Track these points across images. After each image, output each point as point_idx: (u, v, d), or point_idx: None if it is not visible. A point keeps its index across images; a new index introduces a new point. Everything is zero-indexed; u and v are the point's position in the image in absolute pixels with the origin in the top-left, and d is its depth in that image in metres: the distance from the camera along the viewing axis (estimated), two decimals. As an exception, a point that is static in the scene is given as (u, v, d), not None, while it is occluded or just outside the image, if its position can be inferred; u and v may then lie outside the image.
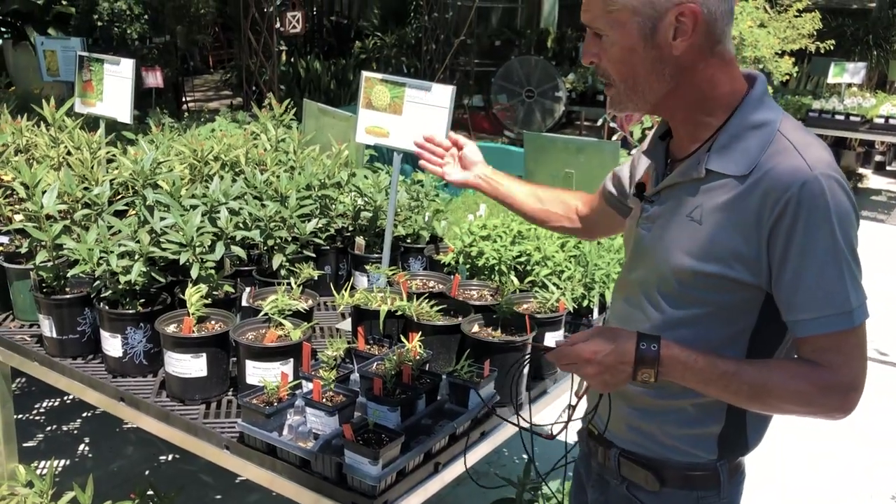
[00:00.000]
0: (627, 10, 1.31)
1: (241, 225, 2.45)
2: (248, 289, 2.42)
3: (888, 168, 10.22)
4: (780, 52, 4.89)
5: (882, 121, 7.81)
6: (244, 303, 2.40)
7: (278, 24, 5.14)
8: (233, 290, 2.37)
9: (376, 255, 2.81)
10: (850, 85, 8.48)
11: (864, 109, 7.91)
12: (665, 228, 1.44)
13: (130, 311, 2.22)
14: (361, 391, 2.04)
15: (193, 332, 2.10)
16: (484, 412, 2.09)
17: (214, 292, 2.32)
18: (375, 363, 2.14)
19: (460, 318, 2.30)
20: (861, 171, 9.55)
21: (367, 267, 2.63)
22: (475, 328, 2.25)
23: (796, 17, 5.54)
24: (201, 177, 2.86)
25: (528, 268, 2.53)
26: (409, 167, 4.55)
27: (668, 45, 1.32)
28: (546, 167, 2.82)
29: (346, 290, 2.34)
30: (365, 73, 2.61)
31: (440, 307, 2.33)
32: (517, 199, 2.00)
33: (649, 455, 1.53)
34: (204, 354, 2.08)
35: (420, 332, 2.17)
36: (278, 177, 2.80)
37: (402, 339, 2.20)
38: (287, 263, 2.52)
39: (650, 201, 1.50)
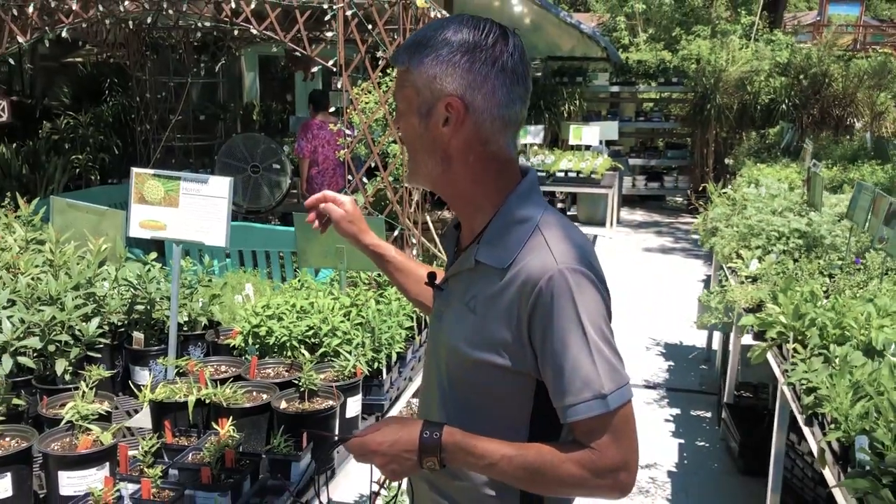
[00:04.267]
0: (414, 88, 1.39)
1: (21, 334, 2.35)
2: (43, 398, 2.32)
3: (569, 213, 11.67)
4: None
5: (562, 174, 9.00)
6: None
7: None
8: (23, 403, 2.26)
9: (156, 348, 2.80)
10: (532, 144, 9.64)
11: (547, 165, 9.06)
12: (450, 317, 1.48)
13: None
14: (186, 483, 2.06)
15: (-6, 452, 1.99)
16: (305, 481, 2.22)
17: (-1, 407, 2.20)
18: (191, 454, 2.18)
19: (264, 397, 2.41)
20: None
21: (160, 361, 2.62)
22: (283, 404, 2.37)
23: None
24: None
25: (318, 340, 2.69)
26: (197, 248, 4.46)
27: (438, 130, 1.39)
28: (317, 245, 3.00)
29: (146, 387, 2.34)
30: (134, 170, 2.65)
31: (243, 390, 2.42)
32: (407, 279, 1.88)
33: None
34: (8, 473, 1.98)
35: (231, 417, 2.25)
36: (38, 279, 2.70)
37: (214, 425, 2.26)
38: (70, 367, 2.45)
39: (440, 289, 1.55)
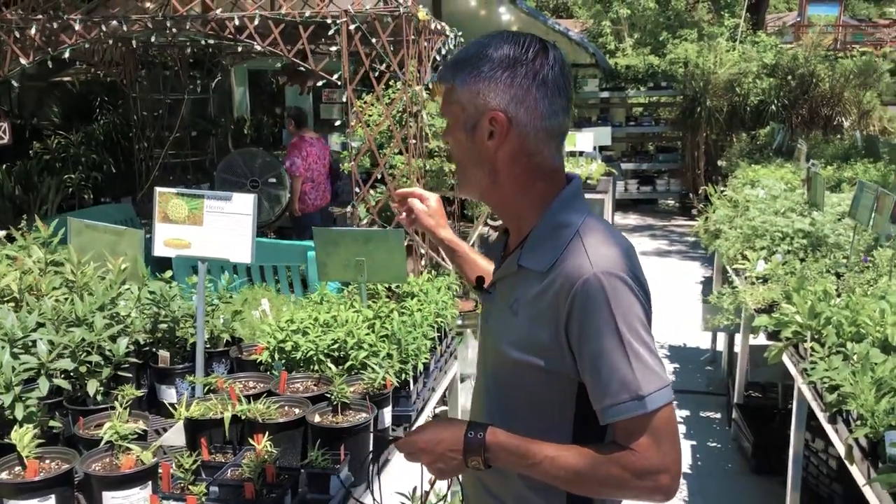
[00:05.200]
0: (459, 104, 1.46)
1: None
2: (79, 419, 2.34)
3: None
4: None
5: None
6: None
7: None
8: (59, 425, 2.27)
9: (181, 366, 2.81)
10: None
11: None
12: (495, 319, 1.54)
13: (-55, 468, 2.04)
14: (229, 499, 2.08)
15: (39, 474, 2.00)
16: (343, 494, 2.23)
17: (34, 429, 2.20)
18: (230, 470, 2.20)
19: (297, 411, 2.42)
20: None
21: (190, 378, 2.63)
22: (317, 418, 2.38)
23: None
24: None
25: (345, 353, 2.70)
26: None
27: (484, 143, 1.44)
28: (337, 258, 3.02)
29: (181, 404, 2.35)
30: (158, 189, 2.66)
31: (276, 405, 2.43)
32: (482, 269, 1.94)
33: None
34: (53, 496, 1.98)
35: (266, 432, 2.26)
36: (62, 301, 2.72)
37: (250, 441, 2.27)
38: (101, 388, 2.46)
39: (488, 292, 1.60)
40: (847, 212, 4.43)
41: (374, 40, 4.48)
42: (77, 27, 4.48)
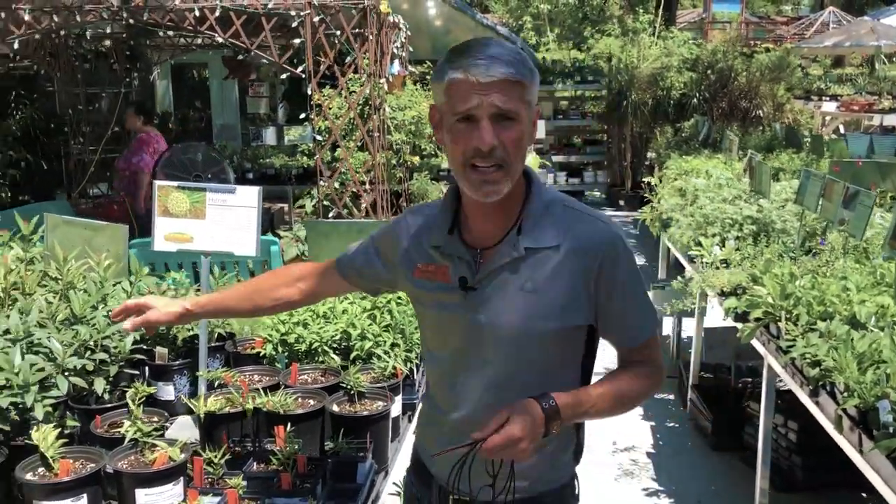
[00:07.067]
0: (529, 101, 1.55)
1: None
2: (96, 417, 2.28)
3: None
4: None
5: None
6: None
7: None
8: (77, 424, 2.22)
9: (178, 363, 2.77)
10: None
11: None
12: (502, 305, 1.60)
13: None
14: (261, 490, 2.08)
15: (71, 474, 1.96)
16: (370, 482, 2.25)
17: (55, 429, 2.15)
18: (255, 463, 2.19)
19: (312, 402, 2.43)
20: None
21: (197, 373, 2.60)
22: (335, 407, 2.40)
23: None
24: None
25: (349, 344, 2.72)
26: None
27: (532, 136, 1.60)
28: (329, 250, 3.02)
29: (200, 399, 2.32)
30: (157, 183, 2.61)
31: (293, 396, 2.43)
32: (231, 304, 1.88)
33: (525, 497, 1.64)
34: (84, 495, 1.94)
35: (288, 423, 2.27)
36: (53, 298, 2.64)
37: (270, 434, 2.27)
38: (108, 386, 2.41)
39: (473, 289, 1.61)
40: (793, 199, 4.66)
41: (338, 33, 4.46)
42: (27, 17, 4.30)
